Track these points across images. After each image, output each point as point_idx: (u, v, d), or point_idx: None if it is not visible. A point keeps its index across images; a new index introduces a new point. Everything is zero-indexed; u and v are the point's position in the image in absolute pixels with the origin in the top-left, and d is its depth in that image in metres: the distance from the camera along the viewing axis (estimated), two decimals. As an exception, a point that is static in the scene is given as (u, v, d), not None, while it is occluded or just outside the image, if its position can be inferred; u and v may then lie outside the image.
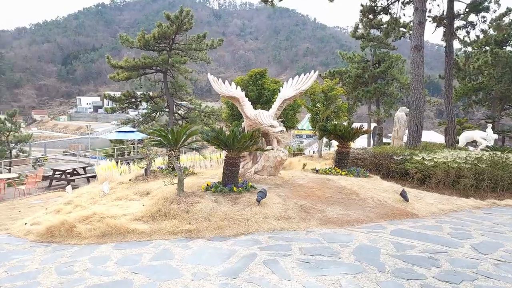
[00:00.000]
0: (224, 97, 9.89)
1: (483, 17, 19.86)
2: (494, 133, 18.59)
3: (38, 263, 5.18)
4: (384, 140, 23.42)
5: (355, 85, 33.65)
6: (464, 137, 19.13)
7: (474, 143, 19.02)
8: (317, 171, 10.79)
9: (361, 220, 6.70)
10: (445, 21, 19.00)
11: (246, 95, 11.80)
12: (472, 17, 20.49)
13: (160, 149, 13.44)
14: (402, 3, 20.41)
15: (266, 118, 8.78)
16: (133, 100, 29.67)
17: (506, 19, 25.21)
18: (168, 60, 27.47)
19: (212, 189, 7.31)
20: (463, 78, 31.90)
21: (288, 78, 10.19)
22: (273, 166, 8.86)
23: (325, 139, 25.05)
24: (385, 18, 22.58)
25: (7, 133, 29.47)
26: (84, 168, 17.67)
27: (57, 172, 16.24)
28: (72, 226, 6.28)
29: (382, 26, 23.73)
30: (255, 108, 9.74)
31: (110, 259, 5.06)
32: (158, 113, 30.75)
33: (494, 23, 25.72)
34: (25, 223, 7.49)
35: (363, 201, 7.84)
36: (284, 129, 8.93)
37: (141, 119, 30.14)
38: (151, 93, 31.15)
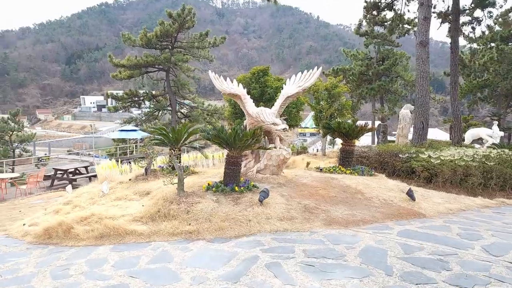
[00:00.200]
0: (225, 95, 9.69)
1: (489, 12, 19.55)
2: (500, 130, 18.30)
3: (33, 266, 5.03)
4: (389, 138, 23.14)
5: (359, 82, 33.34)
6: (470, 135, 18.84)
7: (479, 140, 18.74)
8: (321, 169, 10.59)
9: (366, 220, 6.50)
10: (450, 17, 18.71)
11: (249, 93, 11.62)
12: (478, 13, 20.20)
13: (160, 148, 13.29)
14: (407, -2, 20.12)
15: (269, 115, 8.59)
16: (135, 99, 29.53)
17: (512, 15, 24.87)
18: (170, 58, 27.31)
19: (213, 188, 7.13)
20: (468, 75, 31.53)
21: (291, 76, 9.97)
22: (276, 165, 8.66)
23: (329, 137, 24.84)
24: (389, 14, 22.28)
25: (10, 133, 29.47)
26: (86, 167, 17.56)
27: (58, 172, 16.14)
28: (70, 227, 6.13)
29: (386, 23, 23.42)
30: (257, 106, 9.56)
31: (107, 261, 4.90)
32: (160, 112, 30.60)
33: (500, 19, 25.42)
34: (24, 224, 7.36)
35: (369, 201, 7.64)
36: (287, 127, 8.73)
37: (143, 118, 30.01)
38: (153, 92, 31.00)
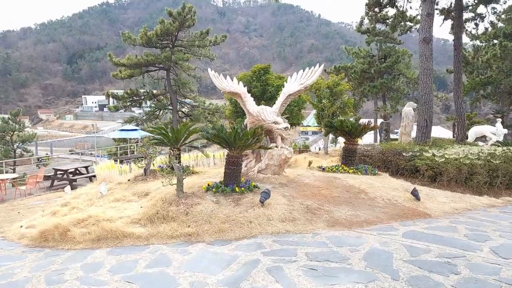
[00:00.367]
0: (225, 93, 9.52)
1: (493, 8, 19.30)
2: (503, 127, 18.08)
3: (28, 271, 4.88)
4: (391, 136, 22.94)
5: (361, 80, 33.12)
6: (473, 132, 18.63)
7: (483, 138, 18.53)
8: (323, 169, 10.43)
9: (370, 221, 6.34)
10: (453, 13, 18.48)
11: (250, 91, 11.46)
12: (481, 9, 19.99)
13: (160, 147, 13.13)
14: (409, -5, 19.90)
15: (270, 114, 8.42)
16: (135, 98, 29.36)
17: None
18: (171, 57, 27.11)
19: (213, 189, 6.97)
20: (471, 72, 31.24)
21: (293, 74, 9.79)
22: (278, 164, 8.50)
23: (331, 136, 24.64)
24: (391, 11, 22.11)
25: (11, 133, 29.36)
26: (86, 167, 17.42)
27: (58, 172, 16.00)
28: (66, 230, 5.98)
29: (388, 20, 23.22)
30: (259, 104, 9.39)
31: (104, 266, 4.75)
32: (161, 111, 30.43)
33: (503, 15, 25.16)
34: (21, 226, 7.22)
35: (372, 201, 7.47)
36: (289, 126, 8.57)
37: (144, 117, 29.86)
38: (154, 91, 30.83)
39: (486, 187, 10.24)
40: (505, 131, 17.92)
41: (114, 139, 32.93)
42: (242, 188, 7.00)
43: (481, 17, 20.73)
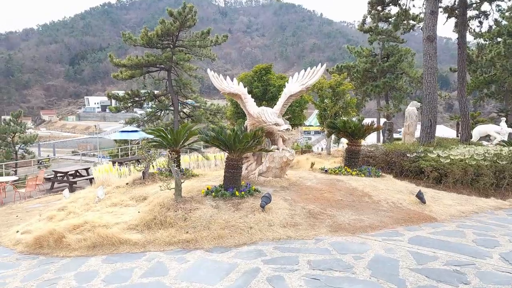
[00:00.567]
0: (225, 94, 9.33)
1: (498, 5, 19.04)
2: (508, 126, 17.83)
3: (20, 280, 4.72)
4: (394, 135, 22.71)
5: (363, 79, 32.85)
6: (477, 132, 18.37)
7: (487, 137, 18.27)
8: (326, 171, 10.23)
9: (375, 226, 6.14)
10: (457, 11, 18.24)
11: (251, 92, 11.26)
12: (485, 6, 19.71)
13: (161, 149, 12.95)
14: (412, -7, 19.69)
15: (270, 115, 8.22)
16: (136, 99, 29.21)
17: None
18: (171, 57, 26.96)
19: (213, 193, 6.79)
20: (474, 70, 30.95)
21: (294, 74, 9.59)
22: (279, 167, 8.30)
23: (333, 136, 24.41)
24: (394, 10, 21.84)
25: (13, 134, 29.24)
26: (86, 169, 17.26)
27: (59, 174, 15.85)
28: (61, 236, 5.81)
29: (390, 19, 22.98)
30: (260, 105, 9.21)
31: (98, 275, 4.58)
32: (163, 112, 30.27)
33: (507, 13, 24.87)
34: (17, 231, 7.06)
35: (377, 204, 7.26)
36: (290, 127, 8.37)
37: (145, 118, 29.70)
38: (155, 92, 30.68)
39: (492, 189, 10.03)
40: (510, 130, 17.66)
41: (115, 140, 32.77)
42: (242, 192, 6.82)
43: (486, 14, 20.45)
